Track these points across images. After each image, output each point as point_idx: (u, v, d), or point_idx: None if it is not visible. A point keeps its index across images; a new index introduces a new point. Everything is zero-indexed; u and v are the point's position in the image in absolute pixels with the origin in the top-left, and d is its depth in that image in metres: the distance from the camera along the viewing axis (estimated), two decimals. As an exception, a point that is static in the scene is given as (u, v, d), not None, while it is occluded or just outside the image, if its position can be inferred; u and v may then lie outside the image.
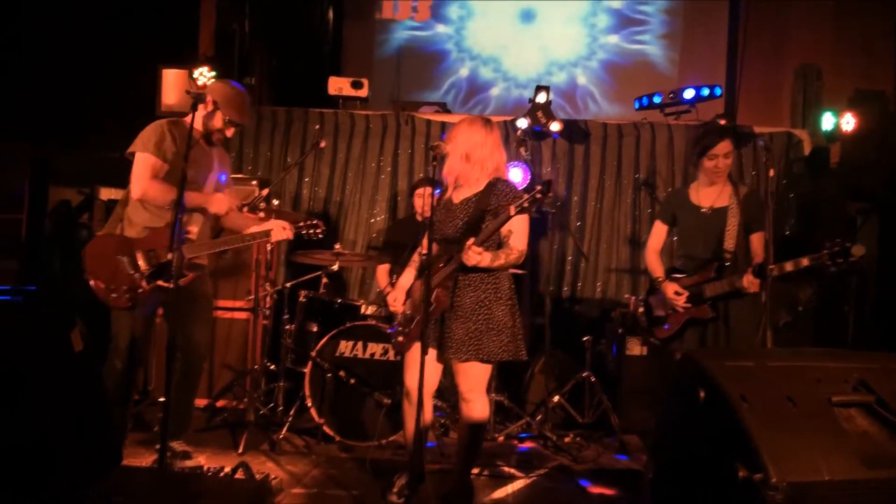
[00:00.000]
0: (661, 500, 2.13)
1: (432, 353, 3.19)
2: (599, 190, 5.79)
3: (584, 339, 4.84)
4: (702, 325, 3.82)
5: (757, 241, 3.81)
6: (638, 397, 4.88)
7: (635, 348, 4.96)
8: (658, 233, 4.16)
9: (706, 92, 5.75)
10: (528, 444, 4.58)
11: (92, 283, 3.46)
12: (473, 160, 3.24)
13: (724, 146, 3.80)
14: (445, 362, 3.24)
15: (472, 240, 3.02)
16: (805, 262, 3.47)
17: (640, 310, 4.26)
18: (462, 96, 7.58)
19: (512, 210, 3.01)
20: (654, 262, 4.09)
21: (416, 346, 3.15)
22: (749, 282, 3.59)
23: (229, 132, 3.67)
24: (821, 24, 6.88)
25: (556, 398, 4.78)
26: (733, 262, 3.78)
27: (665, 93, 5.90)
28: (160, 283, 3.40)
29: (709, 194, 3.92)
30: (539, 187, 2.99)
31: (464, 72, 7.67)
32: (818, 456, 1.88)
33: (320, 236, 3.74)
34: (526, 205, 3.00)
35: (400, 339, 3.33)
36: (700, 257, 3.88)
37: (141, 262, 3.42)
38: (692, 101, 5.78)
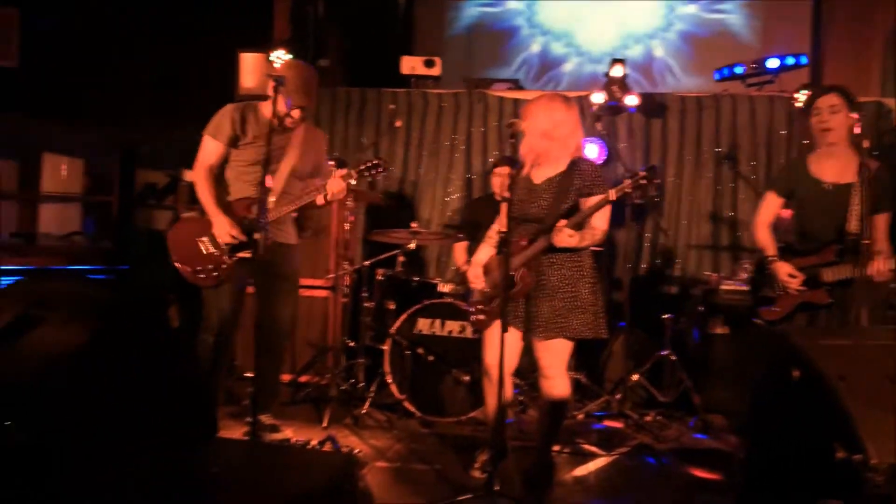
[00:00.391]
0: (756, 480, 2.10)
1: (513, 331, 3.19)
2: (678, 165, 5.66)
3: (665, 317, 4.77)
4: (814, 311, 3.49)
5: (882, 222, 3.45)
6: (719, 376, 4.79)
7: (717, 327, 4.86)
8: (770, 205, 3.72)
9: (791, 61, 5.55)
10: (607, 423, 4.55)
11: (178, 266, 3.60)
12: (555, 138, 3.20)
13: (827, 99, 3.42)
14: (528, 341, 3.24)
15: (563, 221, 3.03)
16: None
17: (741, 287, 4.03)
18: (534, 73, 7.49)
19: (613, 194, 3.02)
20: (765, 236, 3.67)
21: (497, 324, 3.13)
22: (877, 270, 3.24)
23: (295, 114, 3.56)
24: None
25: (636, 377, 4.73)
26: (857, 246, 3.31)
27: (747, 63, 5.71)
28: (241, 254, 3.51)
29: (832, 167, 3.49)
30: (642, 173, 3.00)
31: (535, 48, 7.57)
32: (921, 439, 1.82)
33: (383, 173, 3.63)
34: (629, 190, 3.00)
35: (480, 317, 3.35)
36: (818, 238, 3.51)
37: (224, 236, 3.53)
38: (776, 71, 5.59)
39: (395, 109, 5.60)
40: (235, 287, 3.65)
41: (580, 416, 4.55)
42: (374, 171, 3.59)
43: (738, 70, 5.71)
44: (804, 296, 3.48)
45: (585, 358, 4.92)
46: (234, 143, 3.59)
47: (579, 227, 3.14)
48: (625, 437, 4.31)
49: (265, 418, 3.76)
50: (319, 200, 3.61)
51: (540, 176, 3.28)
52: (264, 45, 5.71)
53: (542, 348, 3.23)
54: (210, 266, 3.55)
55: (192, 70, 6.26)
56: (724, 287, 4.86)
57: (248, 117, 3.60)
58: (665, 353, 4.71)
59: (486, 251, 3.42)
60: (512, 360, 3.30)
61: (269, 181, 3.52)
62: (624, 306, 4.84)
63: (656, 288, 5.64)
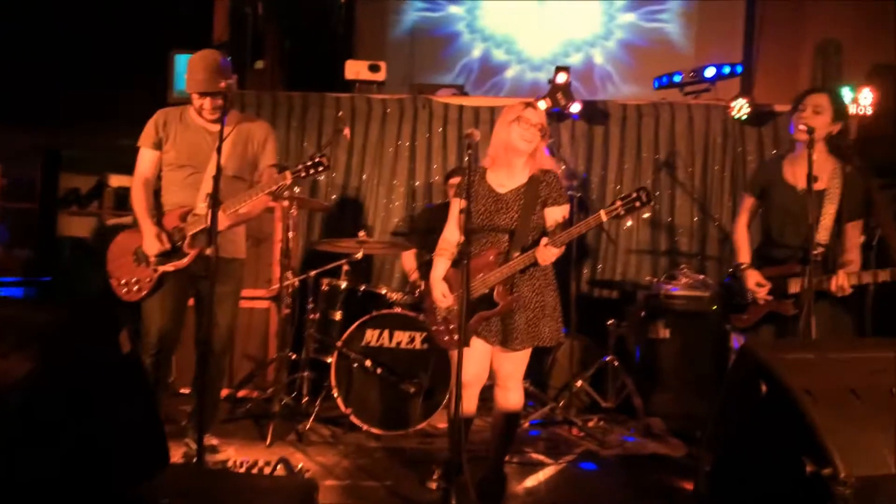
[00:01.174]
0: (721, 493, 2.11)
1: (483, 344, 3.20)
2: (619, 171, 5.72)
3: (608, 322, 4.81)
4: (782, 321, 3.42)
5: (853, 230, 3.38)
6: (660, 380, 4.86)
7: (658, 331, 4.93)
8: (747, 208, 3.64)
9: (727, 70, 5.67)
10: (553, 430, 4.56)
11: (110, 279, 3.52)
12: (513, 146, 3.18)
13: (814, 98, 3.32)
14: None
15: (545, 240, 3.05)
16: None
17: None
18: (475, 78, 7.46)
19: (604, 216, 3.04)
20: (742, 243, 3.60)
21: (473, 339, 3.18)
22: (839, 286, 3.21)
23: (206, 104, 3.42)
24: (839, -1, 6.78)
25: (580, 383, 4.76)
26: (826, 256, 3.33)
27: (685, 71, 5.81)
28: (166, 267, 3.40)
29: (804, 169, 3.28)
30: (635, 195, 3.01)
31: (476, 53, 7.56)
32: (885, 449, 1.85)
33: (322, 170, 3.44)
34: (622, 212, 3.02)
35: (455, 336, 3.26)
36: (787, 244, 3.43)
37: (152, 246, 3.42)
38: (713, 80, 5.70)
39: (342, 116, 5.49)
40: (175, 302, 3.53)
41: (525, 424, 4.55)
42: (314, 171, 3.39)
43: (677, 78, 5.81)
44: (771, 305, 3.42)
45: (530, 364, 4.90)
46: (158, 146, 3.53)
47: (538, 235, 3.17)
48: (571, 444, 4.33)
49: (204, 438, 3.61)
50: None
51: (504, 186, 3.24)
52: (201, 47, 5.52)
53: (506, 359, 3.22)
54: (134, 279, 3.46)
55: (123, 71, 6.01)
56: (664, 292, 4.94)
57: (171, 119, 3.53)
58: (608, 358, 4.76)
59: (442, 264, 3.33)
60: (483, 373, 3.30)
61: (202, 184, 3.42)
62: (568, 312, 4.85)
63: (599, 293, 5.69)
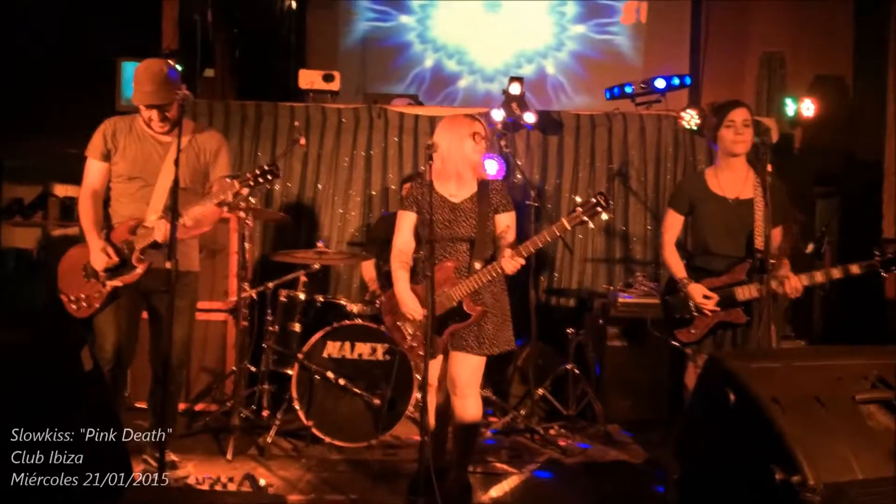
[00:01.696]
0: (690, 502, 2.15)
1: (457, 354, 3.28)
2: (574, 180, 5.79)
3: (567, 330, 4.86)
4: (732, 329, 3.47)
5: (778, 235, 3.50)
6: (619, 387, 4.94)
7: (616, 339, 5.01)
8: (674, 224, 3.68)
9: (676, 81, 5.82)
10: (515, 439, 4.58)
11: (63, 298, 3.44)
12: (469, 159, 3.27)
13: (741, 112, 3.43)
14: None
15: (509, 252, 3.12)
16: (855, 269, 3.28)
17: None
18: (427, 88, 7.46)
19: (567, 223, 3.10)
20: (674, 259, 3.64)
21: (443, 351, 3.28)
22: (793, 288, 3.31)
23: (154, 117, 3.33)
24: (782, 11, 7.00)
25: (540, 391, 4.79)
26: (764, 262, 3.36)
27: (636, 83, 5.93)
28: (114, 282, 3.34)
29: (732, 182, 3.51)
30: (594, 200, 3.07)
31: (429, 63, 7.58)
32: (850, 455, 1.91)
33: (272, 178, 3.34)
34: (584, 218, 3.08)
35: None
36: (724, 254, 3.50)
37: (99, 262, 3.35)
38: (663, 91, 5.83)
39: (298, 127, 5.43)
40: (127, 317, 3.46)
41: (488, 433, 4.56)
42: (264, 179, 3.30)
43: (628, 89, 5.93)
44: (719, 316, 3.45)
45: (491, 374, 4.93)
46: (107, 158, 3.44)
47: (490, 241, 3.29)
48: (533, 452, 4.35)
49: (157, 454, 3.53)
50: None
51: (458, 195, 3.31)
52: (150, 55, 5.40)
53: (466, 366, 3.26)
54: (84, 295, 3.39)
55: (68, 79, 5.84)
56: (619, 300, 5.02)
57: (120, 129, 3.44)
58: (568, 366, 4.80)
59: (404, 277, 3.33)
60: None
61: (152, 196, 3.35)
62: (528, 321, 4.89)
63: (557, 302, 5.74)
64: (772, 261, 3.38)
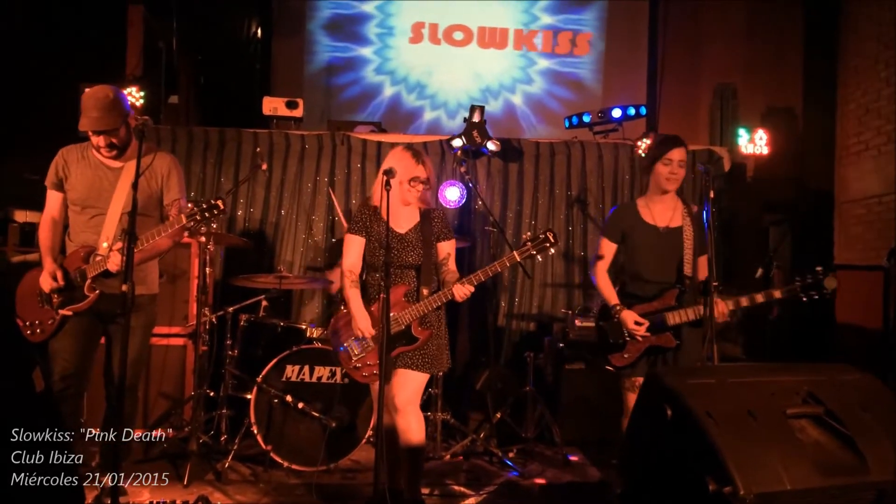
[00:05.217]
0: (632, 515, 2.21)
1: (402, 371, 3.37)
2: (534, 207, 5.91)
3: (526, 354, 4.92)
4: (662, 354, 3.59)
5: (703, 264, 3.60)
6: (577, 409, 5.01)
7: (573, 362, 5.08)
8: (607, 252, 3.78)
9: (632, 111, 5.98)
10: (474, 462, 4.62)
11: (19, 322, 3.46)
12: (416, 188, 3.43)
13: (679, 152, 3.60)
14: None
15: (461, 284, 3.27)
16: (777, 294, 3.43)
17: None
18: (389, 117, 7.51)
19: (517, 256, 3.26)
20: (606, 286, 3.72)
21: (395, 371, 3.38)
22: (721, 313, 3.42)
23: (101, 143, 3.36)
24: (734, 43, 7.27)
25: (499, 414, 4.84)
26: (692, 288, 3.58)
27: (594, 112, 6.09)
28: (66, 311, 3.36)
29: (662, 212, 3.69)
30: (543, 236, 3.24)
31: (389, 93, 7.65)
32: (779, 466, 2.00)
33: (217, 213, 3.25)
34: (533, 252, 3.25)
35: (375, 371, 3.33)
36: (655, 280, 3.64)
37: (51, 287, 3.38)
38: (620, 120, 5.99)
39: (260, 152, 5.47)
40: (81, 344, 3.44)
41: (447, 457, 4.59)
42: (209, 214, 3.24)
43: (586, 118, 6.08)
44: (650, 340, 3.56)
45: (450, 397, 4.98)
46: (60, 187, 3.50)
47: (433, 269, 3.45)
48: (491, 474, 4.39)
49: (109, 480, 3.49)
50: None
51: (402, 225, 3.48)
52: (114, 80, 5.43)
53: (408, 383, 3.35)
54: (37, 321, 3.42)
55: (29, 103, 5.83)
56: (577, 323, 5.11)
57: (72, 159, 3.49)
58: (527, 389, 4.86)
59: (356, 295, 3.42)
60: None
61: (104, 224, 3.38)
62: (488, 344, 4.96)
63: (517, 325, 5.81)
64: (717, 284, 3.45)
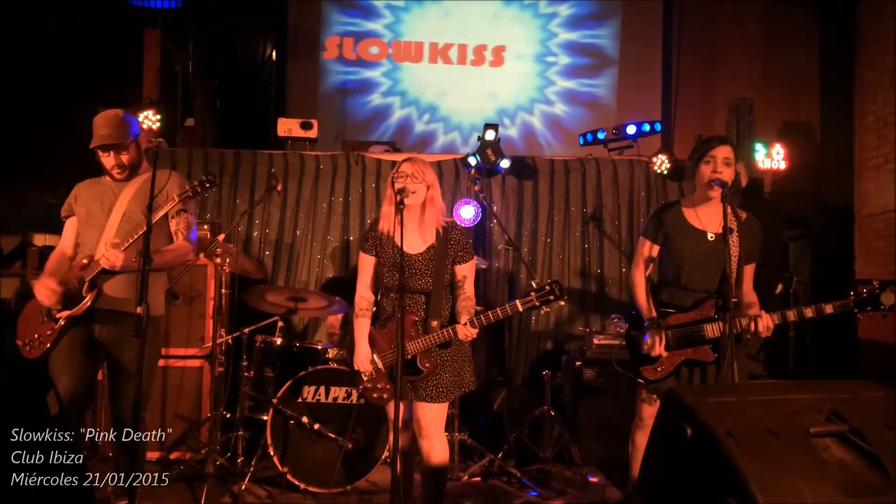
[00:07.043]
0: (652, 538, 2.17)
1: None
2: (549, 225, 5.88)
3: (544, 373, 4.87)
4: (700, 367, 3.36)
5: (750, 273, 3.43)
6: (595, 428, 4.95)
7: (592, 381, 5.01)
8: (646, 254, 3.55)
9: (647, 127, 5.96)
10: (492, 482, 4.56)
11: (18, 342, 3.47)
12: (434, 205, 3.28)
13: (723, 150, 3.35)
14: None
15: (464, 326, 3.12)
16: (829, 308, 3.20)
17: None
18: (401, 138, 7.53)
19: (519, 306, 3.13)
20: (643, 296, 3.50)
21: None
22: (766, 327, 3.21)
23: (108, 161, 3.45)
24: (749, 58, 7.24)
25: (516, 434, 4.79)
26: (734, 299, 3.23)
27: (608, 129, 6.07)
28: (64, 313, 3.34)
29: (710, 216, 3.41)
30: (548, 288, 3.11)
31: (400, 115, 7.66)
32: (803, 487, 1.94)
33: (209, 187, 3.35)
34: (537, 303, 3.12)
35: (384, 394, 3.28)
36: (696, 289, 3.41)
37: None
38: (634, 137, 5.97)
39: (274, 173, 5.50)
40: (79, 363, 3.41)
41: (465, 478, 4.54)
42: (202, 189, 3.34)
43: (601, 135, 6.07)
44: (686, 353, 3.34)
45: (468, 417, 4.94)
46: (70, 215, 3.57)
47: (447, 287, 3.29)
48: (511, 495, 4.34)
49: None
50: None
51: (415, 247, 3.28)
52: (131, 103, 5.51)
53: (428, 413, 3.24)
54: (37, 335, 3.42)
55: (49, 128, 5.91)
56: (595, 341, 5.06)
57: (83, 186, 3.57)
58: (544, 408, 4.81)
59: (364, 326, 3.33)
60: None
61: (103, 232, 3.40)
62: (504, 363, 4.91)
63: (534, 344, 5.76)
64: (747, 300, 3.40)
